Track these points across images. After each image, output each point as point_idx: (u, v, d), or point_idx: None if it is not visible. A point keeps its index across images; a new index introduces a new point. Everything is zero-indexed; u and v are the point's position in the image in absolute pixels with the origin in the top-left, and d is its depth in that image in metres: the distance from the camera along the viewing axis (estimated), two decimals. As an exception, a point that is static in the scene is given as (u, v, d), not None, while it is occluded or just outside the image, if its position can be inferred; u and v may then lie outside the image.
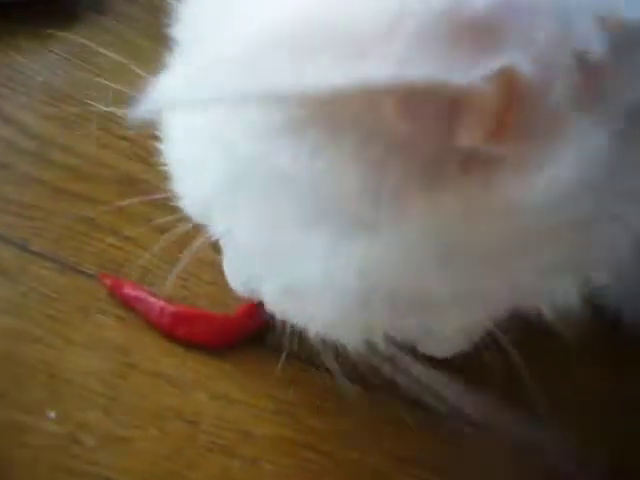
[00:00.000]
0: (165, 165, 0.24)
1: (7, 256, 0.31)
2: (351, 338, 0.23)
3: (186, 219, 0.25)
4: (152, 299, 0.31)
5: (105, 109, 0.40)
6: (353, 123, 0.16)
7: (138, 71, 0.40)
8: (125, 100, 0.44)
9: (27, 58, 0.41)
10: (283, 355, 0.31)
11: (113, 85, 0.45)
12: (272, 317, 0.26)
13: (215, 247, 0.29)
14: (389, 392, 0.33)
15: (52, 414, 0.27)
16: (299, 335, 0.32)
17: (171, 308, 0.31)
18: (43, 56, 0.42)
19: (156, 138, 0.25)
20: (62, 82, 0.42)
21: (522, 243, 0.19)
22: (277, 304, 0.24)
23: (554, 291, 0.23)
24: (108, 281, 0.31)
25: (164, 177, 0.39)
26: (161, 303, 0.31)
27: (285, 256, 0.20)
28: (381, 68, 0.13)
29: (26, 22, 0.42)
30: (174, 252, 0.33)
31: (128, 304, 0.31)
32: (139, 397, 0.29)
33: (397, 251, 0.18)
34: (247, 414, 0.30)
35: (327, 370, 0.31)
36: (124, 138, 0.40)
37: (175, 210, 0.25)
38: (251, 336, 0.32)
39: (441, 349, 0.33)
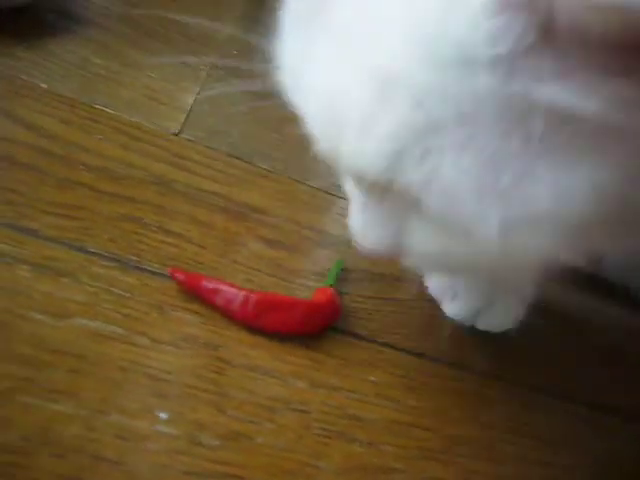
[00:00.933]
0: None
1: (66, 257, 0.28)
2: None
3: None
4: (233, 289, 0.29)
5: (114, 112, 0.38)
6: None
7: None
8: (131, 105, 0.43)
9: (26, 67, 0.38)
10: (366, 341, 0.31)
11: (115, 91, 0.43)
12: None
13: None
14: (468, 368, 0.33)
15: (163, 415, 0.24)
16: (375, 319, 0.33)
17: (255, 296, 0.29)
18: (40, 65, 0.40)
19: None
20: (66, 89, 0.40)
21: None
22: (438, 254, 0.23)
23: None
24: (181, 276, 0.29)
25: (193, 174, 0.37)
26: (244, 292, 0.29)
27: (506, 189, 0.19)
28: None
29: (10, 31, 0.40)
30: (224, 246, 0.32)
31: (205, 298, 0.29)
32: (243, 391, 0.26)
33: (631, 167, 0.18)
34: (350, 399, 0.29)
35: (406, 351, 0.33)
36: (139, 140, 0.38)
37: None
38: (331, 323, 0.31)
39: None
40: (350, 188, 0.27)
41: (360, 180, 0.23)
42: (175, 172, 0.37)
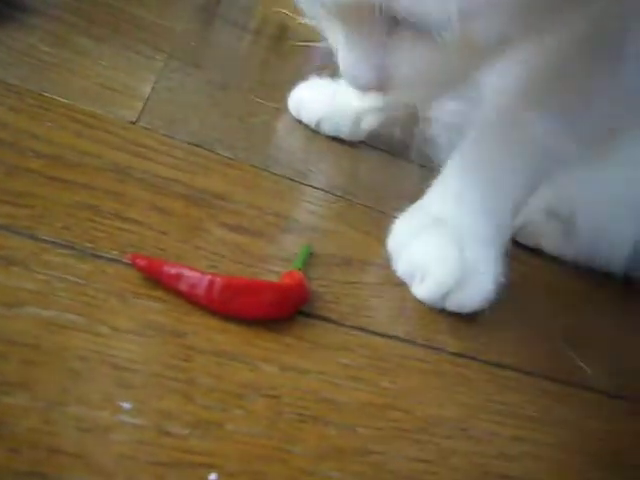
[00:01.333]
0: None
1: (17, 245, 0.26)
2: None
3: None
4: (197, 274, 0.28)
5: (66, 100, 0.37)
6: None
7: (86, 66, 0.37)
8: (84, 94, 0.41)
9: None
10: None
11: (66, 79, 0.41)
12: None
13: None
14: (440, 349, 0.33)
15: (127, 405, 0.22)
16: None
17: (221, 280, 0.28)
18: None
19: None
20: (14, 77, 0.38)
21: None
22: None
23: None
24: (142, 262, 0.27)
25: (152, 161, 0.36)
26: (209, 276, 0.28)
27: None
28: None
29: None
30: (186, 232, 0.31)
31: (168, 284, 0.28)
32: (212, 378, 0.25)
33: None
34: (322, 382, 0.28)
35: (377, 333, 0.32)
36: (93, 127, 0.36)
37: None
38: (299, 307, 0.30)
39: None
40: (334, 37, 0.31)
41: (337, 7, 0.27)
42: (133, 160, 0.35)
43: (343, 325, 0.32)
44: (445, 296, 0.36)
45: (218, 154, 0.43)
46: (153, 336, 0.25)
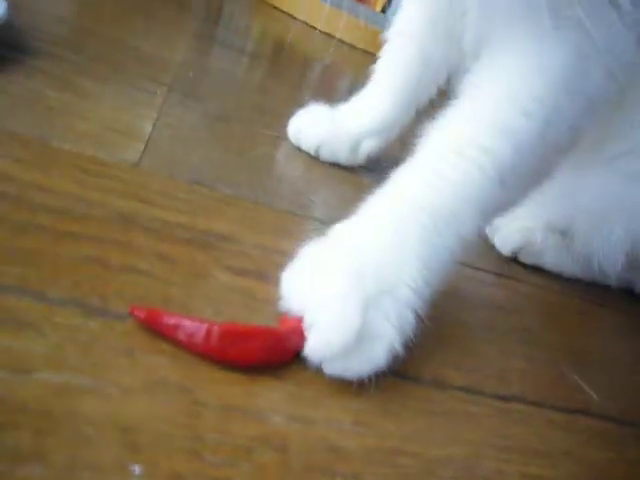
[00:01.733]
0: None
1: (26, 307, 0.27)
2: None
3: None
4: (195, 323, 0.28)
5: (70, 147, 0.37)
6: None
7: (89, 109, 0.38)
8: (87, 138, 0.42)
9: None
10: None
11: (69, 123, 0.42)
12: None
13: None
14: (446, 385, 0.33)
15: (137, 469, 0.23)
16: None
17: (218, 328, 0.28)
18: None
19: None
20: (19, 125, 0.39)
21: None
22: None
23: None
24: (141, 314, 0.28)
25: (155, 206, 0.37)
26: (206, 325, 0.28)
27: None
28: None
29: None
30: (191, 280, 0.31)
31: (168, 334, 0.28)
32: (220, 433, 0.26)
33: None
34: (328, 430, 0.28)
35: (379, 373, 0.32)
36: (97, 174, 0.37)
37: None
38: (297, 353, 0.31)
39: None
40: None
41: None
42: (137, 206, 0.36)
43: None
44: (329, 360, 0.30)
45: (220, 192, 0.43)
46: (160, 394, 0.26)
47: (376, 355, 0.30)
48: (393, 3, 1.39)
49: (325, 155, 0.56)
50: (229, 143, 0.53)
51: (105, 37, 0.63)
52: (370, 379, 0.31)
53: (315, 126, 0.56)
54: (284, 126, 0.58)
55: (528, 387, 0.39)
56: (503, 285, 0.51)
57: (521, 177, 0.36)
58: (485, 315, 0.45)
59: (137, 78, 0.56)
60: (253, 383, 0.29)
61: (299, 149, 0.57)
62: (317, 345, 0.29)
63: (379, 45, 0.57)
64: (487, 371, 0.38)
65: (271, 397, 0.29)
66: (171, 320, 0.28)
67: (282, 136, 0.58)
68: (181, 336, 0.28)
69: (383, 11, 1.45)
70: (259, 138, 0.56)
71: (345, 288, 0.30)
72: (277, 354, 0.30)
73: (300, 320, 0.31)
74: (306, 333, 0.30)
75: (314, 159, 0.56)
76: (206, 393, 0.27)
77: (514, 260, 0.56)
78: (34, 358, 0.25)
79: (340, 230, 0.33)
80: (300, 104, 0.59)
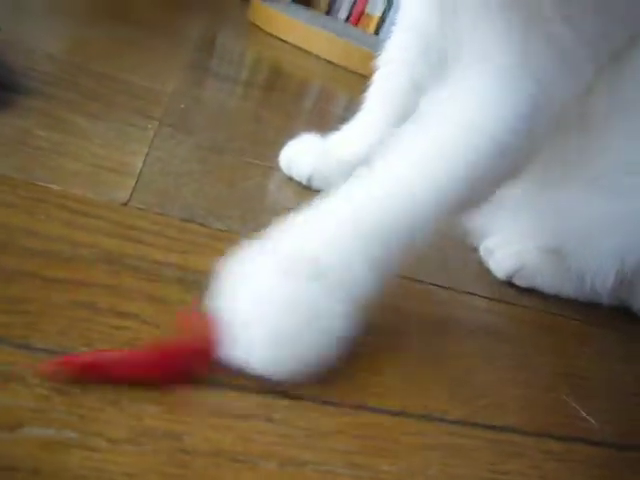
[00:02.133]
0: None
1: (12, 359, 0.27)
2: None
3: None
4: (115, 354, 0.28)
5: (58, 187, 0.37)
6: None
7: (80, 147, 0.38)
8: (77, 177, 0.42)
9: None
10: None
11: (59, 164, 0.42)
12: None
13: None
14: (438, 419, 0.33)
15: (125, 525, 0.23)
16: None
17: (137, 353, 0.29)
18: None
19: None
20: (7, 168, 0.39)
21: None
22: None
23: None
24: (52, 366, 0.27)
25: (145, 245, 0.37)
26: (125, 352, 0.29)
27: None
28: None
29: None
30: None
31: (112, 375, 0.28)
32: (210, 482, 0.25)
33: None
34: (321, 473, 0.28)
35: (370, 409, 0.32)
36: (86, 215, 0.37)
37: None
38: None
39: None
40: None
41: None
42: (126, 245, 0.36)
43: (340, 405, 0.32)
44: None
45: (211, 228, 0.43)
46: (148, 443, 0.26)
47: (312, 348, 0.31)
48: (386, 25, 1.41)
49: (317, 184, 0.56)
50: (221, 175, 0.53)
51: (96, 73, 0.63)
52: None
53: (306, 155, 0.56)
54: (277, 155, 0.58)
55: (525, 416, 0.38)
56: (497, 310, 0.51)
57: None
58: (480, 342, 0.45)
59: (129, 113, 0.56)
60: (245, 427, 0.29)
61: (291, 179, 0.57)
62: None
63: (373, 67, 0.57)
64: (482, 401, 0.37)
65: (262, 440, 0.29)
66: (88, 358, 0.28)
67: (275, 166, 0.58)
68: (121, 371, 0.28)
69: (376, 33, 1.47)
70: (251, 169, 0.56)
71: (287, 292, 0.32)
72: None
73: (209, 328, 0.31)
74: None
75: (306, 188, 0.57)
76: (195, 439, 0.27)
77: (509, 283, 0.56)
78: (23, 412, 0.25)
79: (278, 235, 0.35)
80: (293, 133, 0.59)
